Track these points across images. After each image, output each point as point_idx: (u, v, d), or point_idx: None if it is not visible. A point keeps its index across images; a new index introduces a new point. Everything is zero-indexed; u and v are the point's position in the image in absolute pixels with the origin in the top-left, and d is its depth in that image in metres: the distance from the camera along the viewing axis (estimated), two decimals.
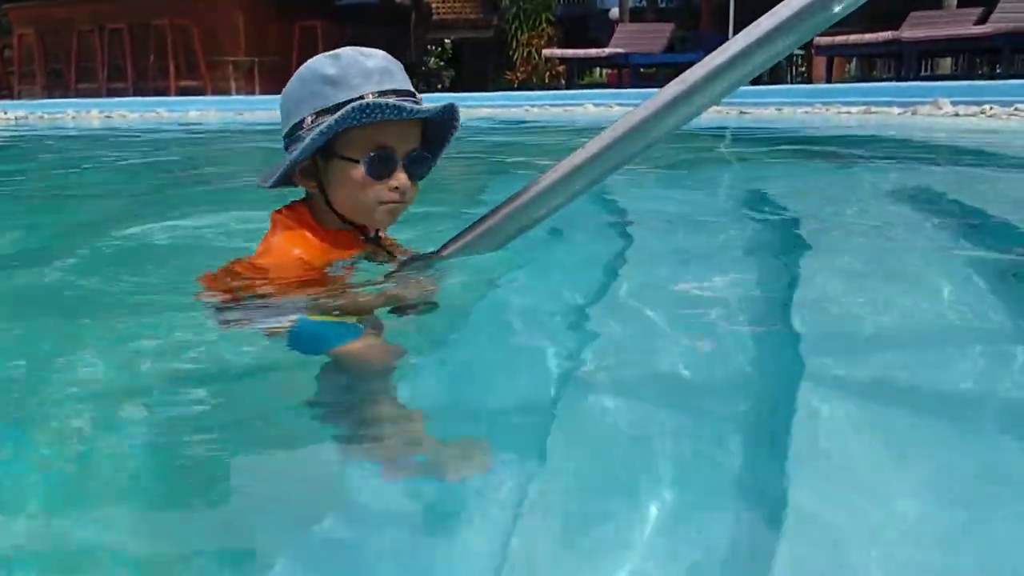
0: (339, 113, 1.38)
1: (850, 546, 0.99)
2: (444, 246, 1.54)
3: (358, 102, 1.37)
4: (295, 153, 1.41)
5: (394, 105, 1.38)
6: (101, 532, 1.03)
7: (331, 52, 1.45)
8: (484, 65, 17.48)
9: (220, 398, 1.35)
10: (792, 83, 13.83)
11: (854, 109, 8.22)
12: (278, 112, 1.50)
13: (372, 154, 1.41)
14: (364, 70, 1.41)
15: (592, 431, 1.28)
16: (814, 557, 0.99)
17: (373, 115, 1.38)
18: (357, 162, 1.41)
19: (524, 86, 15.59)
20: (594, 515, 1.04)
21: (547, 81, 16.05)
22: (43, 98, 13.95)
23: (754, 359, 1.53)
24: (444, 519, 1.04)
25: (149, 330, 1.53)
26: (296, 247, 1.45)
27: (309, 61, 1.47)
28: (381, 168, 1.42)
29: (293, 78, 1.47)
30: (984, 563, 0.97)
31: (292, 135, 1.44)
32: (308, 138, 1.39)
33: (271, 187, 1.50)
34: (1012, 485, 1.11)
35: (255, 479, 1.13)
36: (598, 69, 16.72)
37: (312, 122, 1.40)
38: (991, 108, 7.05)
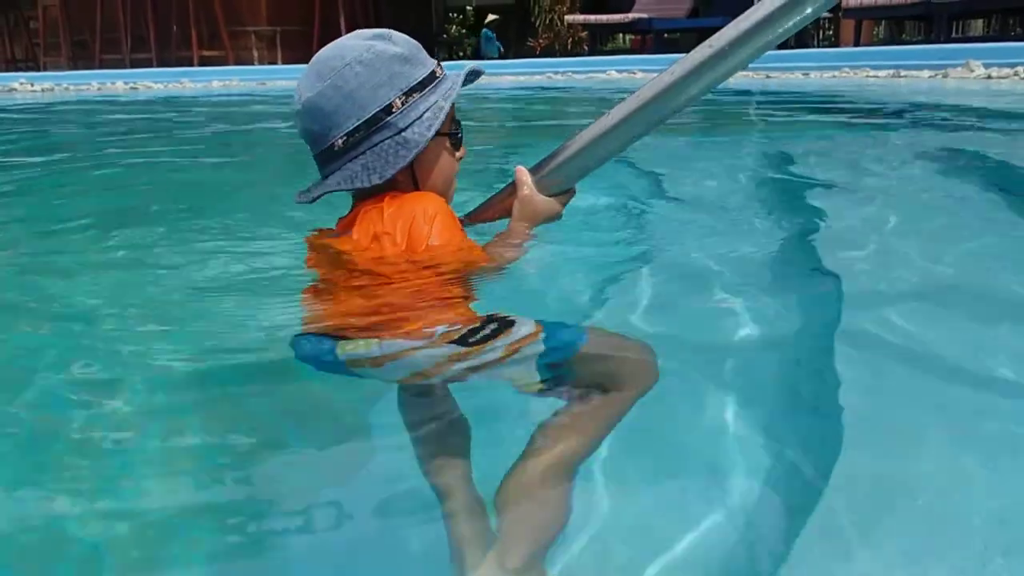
0: (451, 81, 1.36)
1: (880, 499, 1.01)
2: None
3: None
4: (425, 129, 1.32)
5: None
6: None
7: (371, 34, 1.37)
8: (506, 32, 17.31)
9: None
10: (819, 47, 13.56)
11: (882, 73, 8.07)
12: (313, 106, 1.28)
13: (456, 124, 1.41)
14: (415, 45, 1.39)
15: None
16: (847, 504, 1.02)
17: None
18: (455, 135, 1.40)
19: (546, 53, 15.43)
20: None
21: (570, 48, 15.87)
22: (68, 69, 14.05)
23: (785, 318, 1.54)
24: None
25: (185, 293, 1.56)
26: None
27: (352, 47, 1.33)
28: (460, 139, 1.42)
29: (347, 69, 1.30)
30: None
31: (376, 123, 1.32)
32: (425, 115, 1.33)
33: (381, 181, 1.31)
34: None
35: None
36: (621, 35, 16.51)
37: (404, 103, 1.32)
38: None
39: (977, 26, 15.10)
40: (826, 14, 14.64)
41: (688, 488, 1.11)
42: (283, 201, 1.81)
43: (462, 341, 1.12)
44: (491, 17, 15.37)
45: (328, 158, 1.34)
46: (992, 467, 1.10)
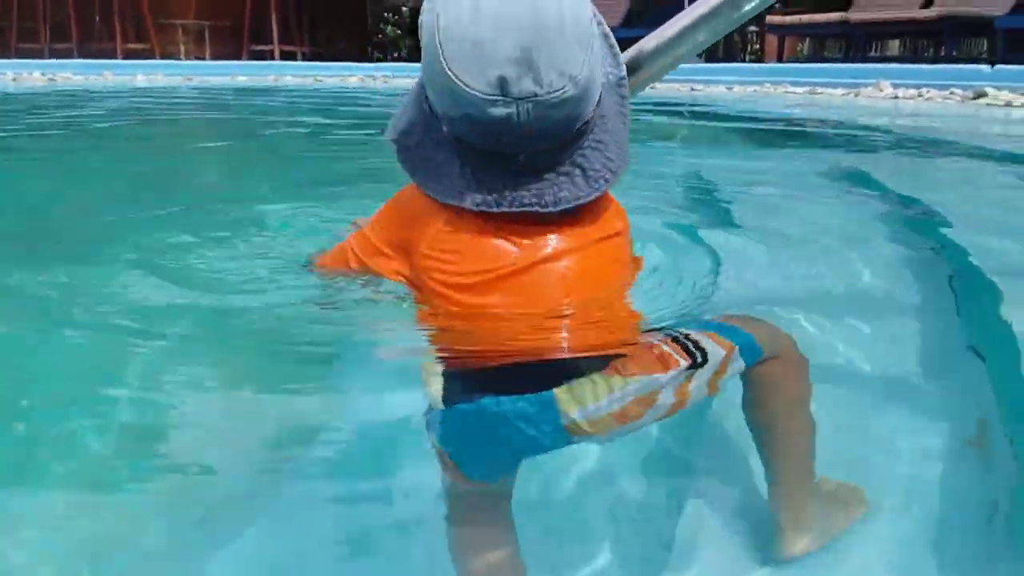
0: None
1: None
2: None
3: None
4: (615, 67, 1.19)
5: None
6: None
7: None
8: None
9: None
10: (746, 61, 14.01)
11: (800, 89, 8.40)
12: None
13: None
14: None
15: None
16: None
17: None
18: None
19: None
20: None
21: None
22: None
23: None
24: None
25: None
26: None
27: None
28: None
29: (594, 27, 1.05)
30: None
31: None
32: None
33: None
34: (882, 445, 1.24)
35: None
36: None
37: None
38: (928, 91, 7.28)
39: (894, 46, 15.77)
40: (753, 28, 15.09)
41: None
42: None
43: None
44: None
45: (579, 135, 1.08)
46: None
